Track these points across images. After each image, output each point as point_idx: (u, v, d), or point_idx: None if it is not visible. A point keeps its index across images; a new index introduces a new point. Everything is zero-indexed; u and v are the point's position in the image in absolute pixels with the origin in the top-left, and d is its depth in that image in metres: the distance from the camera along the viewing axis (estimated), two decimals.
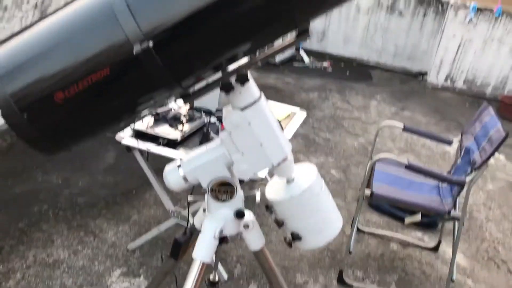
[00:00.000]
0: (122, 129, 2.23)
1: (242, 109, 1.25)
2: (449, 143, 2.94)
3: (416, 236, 3.25)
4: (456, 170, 2.78)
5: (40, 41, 1.11)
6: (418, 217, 2.75)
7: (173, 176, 1.36)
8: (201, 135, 2.59)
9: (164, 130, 2.51)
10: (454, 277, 2.69)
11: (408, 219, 2.86)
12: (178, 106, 2.72)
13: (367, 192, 2.58)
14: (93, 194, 3.35)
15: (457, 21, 6.06)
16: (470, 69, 6.28)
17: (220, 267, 2.58)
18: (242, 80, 1.19)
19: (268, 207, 1.40)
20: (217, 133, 2.58)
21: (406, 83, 6.60)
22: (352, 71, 6.84)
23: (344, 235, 3.06)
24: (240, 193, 1.38)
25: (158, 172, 2.55)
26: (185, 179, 1.35)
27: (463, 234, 3.27)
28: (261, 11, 1.05)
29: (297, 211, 1.35)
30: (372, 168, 2.80)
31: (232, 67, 1.20)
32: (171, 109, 2.66)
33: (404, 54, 6.90)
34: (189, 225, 1.58)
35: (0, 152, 3.63)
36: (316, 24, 6.98)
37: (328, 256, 2.96)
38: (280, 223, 1.38)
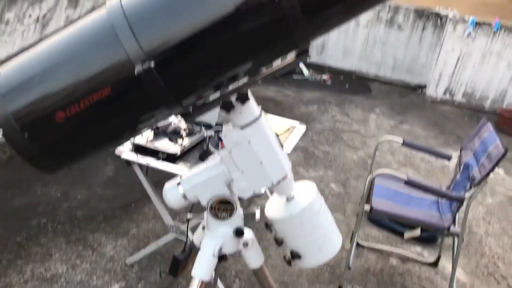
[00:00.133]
0: (121, 144, 2.23)
1: (242, 127, 1.25)
2: (448, 158, 2.94)
3: (415, 251, 3.24)
4: (456, 186, 2.78)
5: (42, 61, 1.11)
6: (417, 232, 2.75)
7: (172, 194, 1.36)
8: (201, 149, 2.59)
9: (164, 144, 2.52)
10: None
11: (407, 234, 2.85)
12: (178, 120, 2.72)
13: (367, 207, 2.58)
14: (92, 207, 3.35)
15: (455, 35, 6.09)
16: (469, 83, 6.30)
17: (219, 282, 2.57)
18: (243, 99, 1.19)
19: (268, 225, 1.40)
20: (216, 147, 2.59)
21: (405, 96, 6.62)
22: (352, 84, 6.86)
23: (344, 250, 3.05)
24: (239, 211, 1.38)
25: (157, 185, 2.55)
26: (184, 197, 1.35)
27: (463, 249, 3.26)
28: (262, 32, 1.05)
29: (297, 229, 1.35)
30: (372, 183, 2.80)
31: (232, 86, 1.20)
32: (171, 123, 2.67)
33: (403, 67, 6.93)
34: (188, 242, 1.58)
35: None
36: None
37: (328, 271, 2.94)
38: (279, 242, 1.38)
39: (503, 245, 3.44)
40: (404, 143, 2.99)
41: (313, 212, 1.34)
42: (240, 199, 1.38)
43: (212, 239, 1.39)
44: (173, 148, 2.49)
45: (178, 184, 1.35)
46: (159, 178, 2.66)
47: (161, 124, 2.63)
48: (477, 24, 5.94)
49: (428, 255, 3.21)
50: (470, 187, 2.48)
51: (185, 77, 1.10)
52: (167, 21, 1.04)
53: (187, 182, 1.35)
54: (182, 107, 1.15)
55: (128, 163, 2.48)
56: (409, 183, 2.45)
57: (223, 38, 1.05)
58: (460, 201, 2.47)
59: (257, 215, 1.45)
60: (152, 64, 1.02)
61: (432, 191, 2.61)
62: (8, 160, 3.63)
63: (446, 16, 6.27)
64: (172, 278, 1.61)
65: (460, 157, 2.91)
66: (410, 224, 2.75)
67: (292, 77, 6.78)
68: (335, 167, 4.32)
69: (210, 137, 2.65)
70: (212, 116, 2.02)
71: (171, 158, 2.45)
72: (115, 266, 2.81)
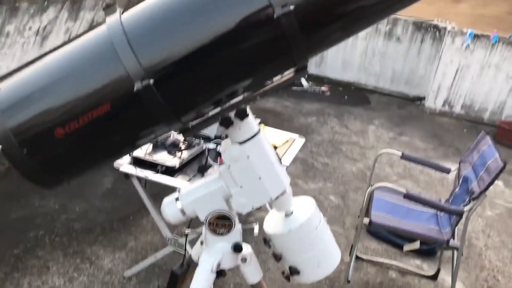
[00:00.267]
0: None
1: (241, 143, 1.25)
2: (447, 171, 2.95)
3: (415, 264, 3.22)
4: (454, 199, 2.77)
5: (41, 77, 1.12)
6: (416, 245, 2.74)
7: (170, 209, 1.35)
8: (199, 162, 2.59)
9: (163, 157, 2.52)
10: None
11: (406, 247, 2.84)
12: (177, 133, 2.72)
13: (366, 220, 2.58)
14: (90, 219, 3.33)
15: (454, 47, 6.12)
16: (467, 95, 6.32)
17: None
18: (241, 115, 1.19)
19: (266, 240, 1.40)
20: (215, 159, 2.59)
21: (404, 108, 6.64)
22: (350, 95, 6.88)
23: (343, 262, 3.03)
24: (238, 227, 1.38)
25: (156, 197, 2.54)
26: (183, 212, 1.35)
27: (462, 262, 3.24)
28: (260, 50, 1.06)
29: (295, 244, 1.35)
30: (371, 196, 2.79)
31: (231, 102, 1.20)
32: (169, 136, 2.67)
33: (402, 79, 6.95)
34: (186, 256, 1.57)
35: None
36: None
37: (327, 285, 2.93)
38: (278, 257, 1.38)
39: (503, 258, 3.43)
40: (403, 157, 3.00)
41: (311, 228, 1.34)
42: (239, 214, 1.38)
43: (210, 255, 1.39)
44: (172, 161, 2.49)
45: (176, 199, 1.35)
46: (158, 190, 2.65)
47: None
48: (476, 37, 5.97)
49: (428, 268, 3.19)
50: (469, 201, 2.48)
51: (184, 93, 1.10)
52: (167, 38, 1.05)
53: (185, 197, 1.35)
54: (181, 123, 1.16)
55: (127, 175, 2.48)
56: (408, 196, 2.45)
57: (221, 55, 1.05)
58: (459, 214, 2.47)
59: (256, 230, 1.45)
60: (151, 81, 1.02)
61: (431, 205, 2.60)
62: (6, 172, 3.62)
63: (445, 29, 6.31)
64: None
65: (459, 170, 2.91)
66: (409, 237, 2.74)
67: (291, 88, 6.79)
68: (334, 179, 4.32)
69: (209, 149, 2.65)
70: (211, 128, 2.01)
71: (169, 170, 2.45)
72: (113, 279, 2.79)
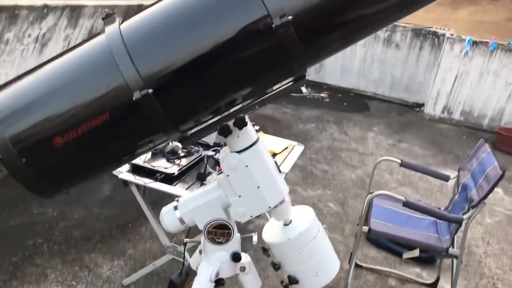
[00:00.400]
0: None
1: (240, 152, 1.25)
2: (446, 179, 2.95)
3: (414, 272, 3.21)
4: (454, 206, 2.77)
5: (40, 86, 1.12)
6: (416, 252, 2.74)
7: (169, 218, 1.35)
8: (198, 169, 2.59)
9: (161, 164, 2.51)
10: None
11: (406, 255, 2.84)
12: None
13: (365, 228, 2.57)
14: (89, 227, 3.32)
15: (453, 54, 6.14)
16: (467, 101, 6.33)
17: None
18: (240, 124, 1.19)
19: (265, 249, 1.39)
20: (214, 167, 2.58)
21: (403, 114, 6.64)
22: (350, 102, 6.89)
23: (342, 270, 3.02)
24: (236, 236, 1.37)
25: (155, 205, 2.54)
26: (181, 220, 1.34)
27: (462, 269, 3.23)
28: (259, 59, 1.06)
29: (294, 254, 1.34)
30: (370, 203, 2.79)
31: (230, 111, 1.20)
32: (168, 143, 2.66)
33: (401, 86, 6.97)
34: (185, 265, 1.57)
35: None
36: None
37: None
38: (277, 266, 1.37)
39: (503, 266, 3.42)
40: (403, 164, 2.99)
41: (310, 237, 1.34)
42: (237, 222, 1.38)
43: (209, 263, 1.38)
44: (171, 168, 2.49)
45: (175, 207, 1.35)
46: (157, 198, 2.66)
47: None
48: (474, 43, 6.00)
49: (427, 276, 3.18)
50: (469, 209, 2.47)
51: (183, 103, 1.10)
52: (166, 48, 1.05)
53: (184, 206, 1.35)
54: (180, 132, 1.16)
55: (126, 183, 2.47)
56: (407, 204, 2.45)
57: (220, 65, 1.05)
58: (459, 223, 2.46)
59: (255, 238, 1.44)
60: (150, 90, 1.02)
61: (430, 213, 2.60)
62: (4, 179, 3.61)
63: (444, 35, 6.33)
64: None
65: (458, 177, 2.91)
66: (409, 245, 2.74)
67: (290, 95, 6.79)
68: (333, 186, 4.31)
69: (208, 157, 2.65)
70: (210, 136, 2.01)
71: (168, 178, 2.45)
72: (112, 287, 2.78)
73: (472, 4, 10.65)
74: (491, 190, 2.36)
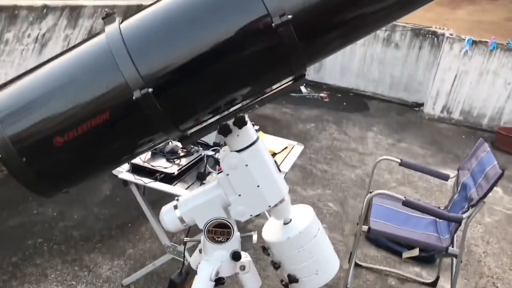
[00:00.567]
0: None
1: (239, 151, 1.25)
2: (446, 178, 2.95)
3: (414, 271, 3.22)
4: (453, 206, 2.77)
5: (40, 86, 1.12)
6: (416, 252, 2.74)
7: (169, 217, 1.35)
8: (198, 169, 2.59)
9: (161, 164, 2.51)
10: None
11: (406, 254, 2.84)
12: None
13: (365, 227, 2.57)
14: (89, 227, 3.32)
15: (452, 54, 6.15)
16: (466, 100, 6.34)
17: None
18: (240, 123, 1.19)
19: (265, 248, 1.39)
20: (213, 167, 2.58)
21: (403, 114, 6.65)
22: (349, 102, 6.89)
23: (342, 270, 3.02)
24: (236, 235, 1.37)
25: (155, 204, 2.55)
26: (181, 220, 1.34)
27: (462, 269, 3.24)
28: (258, 59, 1.06)
29: (294, 252, 1.34)
30: (370, 203, 2.79)
31: (230, 110, 1.20)
32: (168, 143, 2.66)
33: (401, 85, 6.97)
34: (185, 264, 1.57)
35: None
36: None
37: None
38: (277, 265, 1.37)
39: (502, 265, 3.42)
40: (402, 164, 3.00)
41: (310, 236, 1.34)
42: (237, 221, 1.38)
43: (209, 263, 1.38)
44: (171, 168, 2.49)
45: (175, 207, 1.35)
46: (156, 197, 2.66)
47: None
48: (474, 43, 6.01)
49: (427, 275, 3.18)
50: (468, 208, 2.47)
51: (183, 102, 1.10)
52: (165, 47, 1.05)
53: (184, 205, 1.35)
54: (180, 131, 1.16)
55: (125, 182, 2.47)
56: (407, 204, 2.45)
57: (220, 64, 1.05)
58: (458, 222, 2.46)
59: (255, 237, 1.45)
60: (150, 90, 1.02)
61: (430, 212, 2.60)
62: (4, 178, 3.61)
63: (443, 35, 6.34)
64: None
65: (457, 176, 2.91)
66: (408, 244, 2.74)
67: (289, 95, 6.80)
68: (333, 186, 4.31)
69: (208, 156, 2.65)
70: (209, 135, 2.01)
71: (168, 177, 2.45)
72: (111, 287, 2.78)
73: (471, 3, 10.67)
74: (490, 189, 2.36)
